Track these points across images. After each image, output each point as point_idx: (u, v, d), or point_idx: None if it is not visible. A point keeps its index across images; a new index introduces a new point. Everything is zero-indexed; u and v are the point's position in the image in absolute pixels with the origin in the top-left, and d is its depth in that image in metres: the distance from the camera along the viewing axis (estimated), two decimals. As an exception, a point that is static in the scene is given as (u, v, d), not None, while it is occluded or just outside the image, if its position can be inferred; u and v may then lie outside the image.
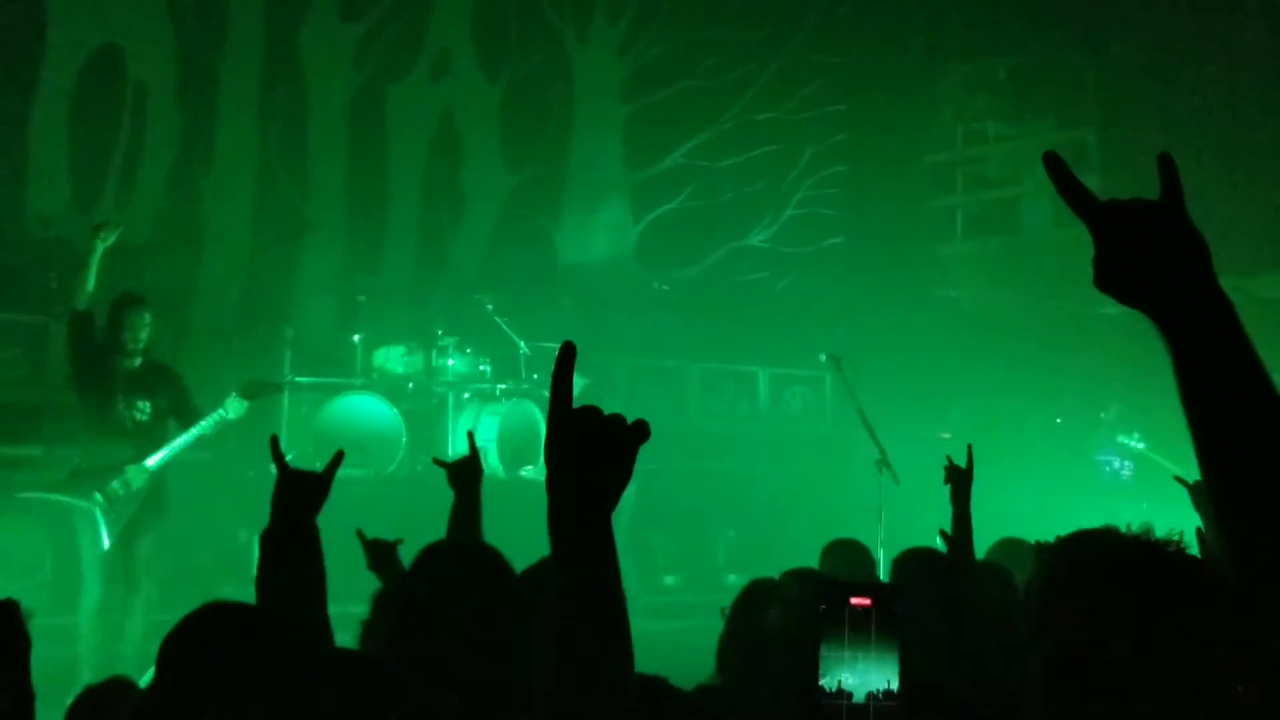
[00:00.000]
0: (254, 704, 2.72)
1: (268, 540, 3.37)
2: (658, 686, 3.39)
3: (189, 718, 2.75)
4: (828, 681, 2.84)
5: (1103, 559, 2.16)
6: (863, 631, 2.91)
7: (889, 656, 2.88)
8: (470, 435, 5.01)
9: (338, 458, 3.58)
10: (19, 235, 13.58)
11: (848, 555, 6.34)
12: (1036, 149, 16.67)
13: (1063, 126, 16.41)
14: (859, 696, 2.81)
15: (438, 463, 4.84)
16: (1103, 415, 14.22)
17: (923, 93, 17.34)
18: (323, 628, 3.32)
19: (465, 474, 4.69)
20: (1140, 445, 13.37)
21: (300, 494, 3.42)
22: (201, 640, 2.85)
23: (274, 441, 3.71)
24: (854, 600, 2.92)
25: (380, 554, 4.61)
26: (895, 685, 2.83)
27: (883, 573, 6.55)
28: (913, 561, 5.29)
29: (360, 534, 4.48)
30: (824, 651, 2.90)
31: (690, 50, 16.85)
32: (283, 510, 3.40)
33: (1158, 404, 14.45)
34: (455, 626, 3.24)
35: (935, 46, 16.99)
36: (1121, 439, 13.63)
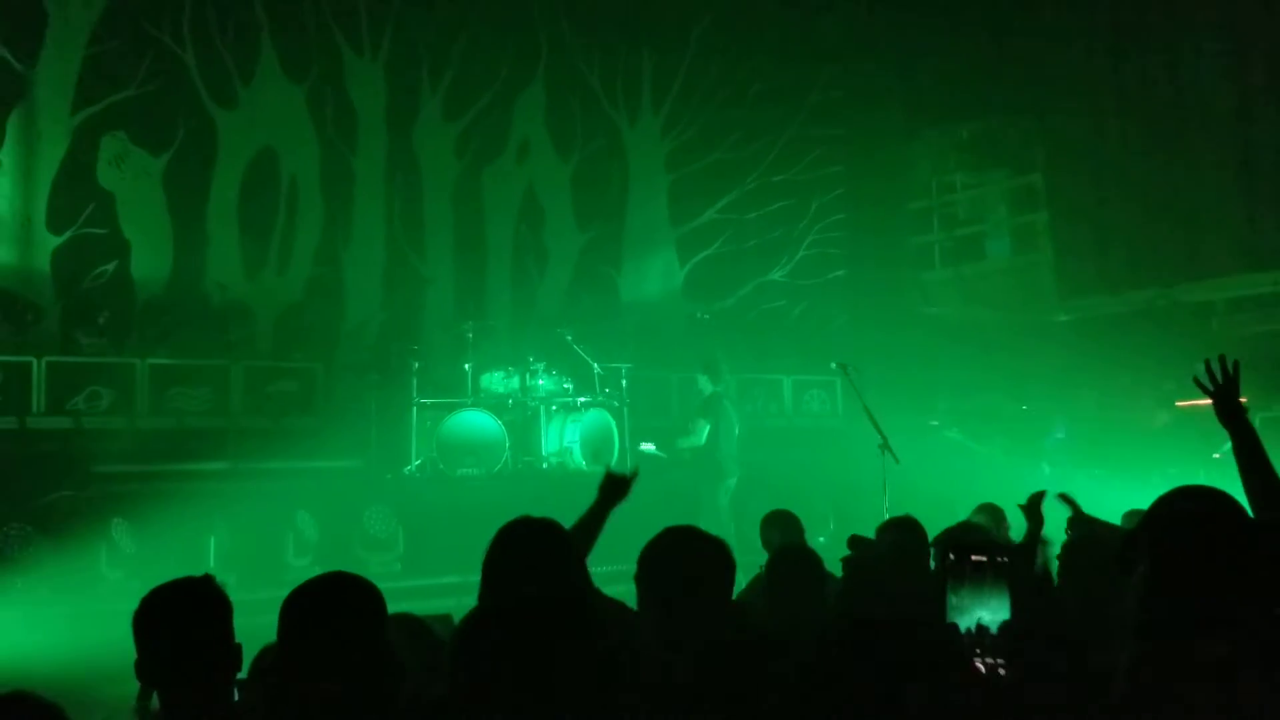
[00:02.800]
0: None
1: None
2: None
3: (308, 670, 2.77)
4: (954, 619, 2.94)
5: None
6: (979, 581, 3.02)
7: (999, 602, 2.98)
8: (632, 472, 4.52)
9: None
10: (202, 299, 13.77)
11: (783, 526, 6.35)
12: (996, 195, 16.71)
13: (1016, 175, 16.36)
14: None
15: (609, 471, 4.45)
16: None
17: (903, 153, 17.32)
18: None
19: (614, 489, 4.35)
20: (958, 436, 13.54)
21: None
22: (319, 598, 2.86)
23: None
24: (974, 557, 3.10)
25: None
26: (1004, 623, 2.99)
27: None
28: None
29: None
30: (948, 596, 3.05)
31: (718, 128, 16.87)
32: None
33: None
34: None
35: (911, 117, 16.96)
36: (948, 433, 13.71)
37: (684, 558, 3.33)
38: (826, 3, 16.45)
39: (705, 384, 11.95)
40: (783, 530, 6.30)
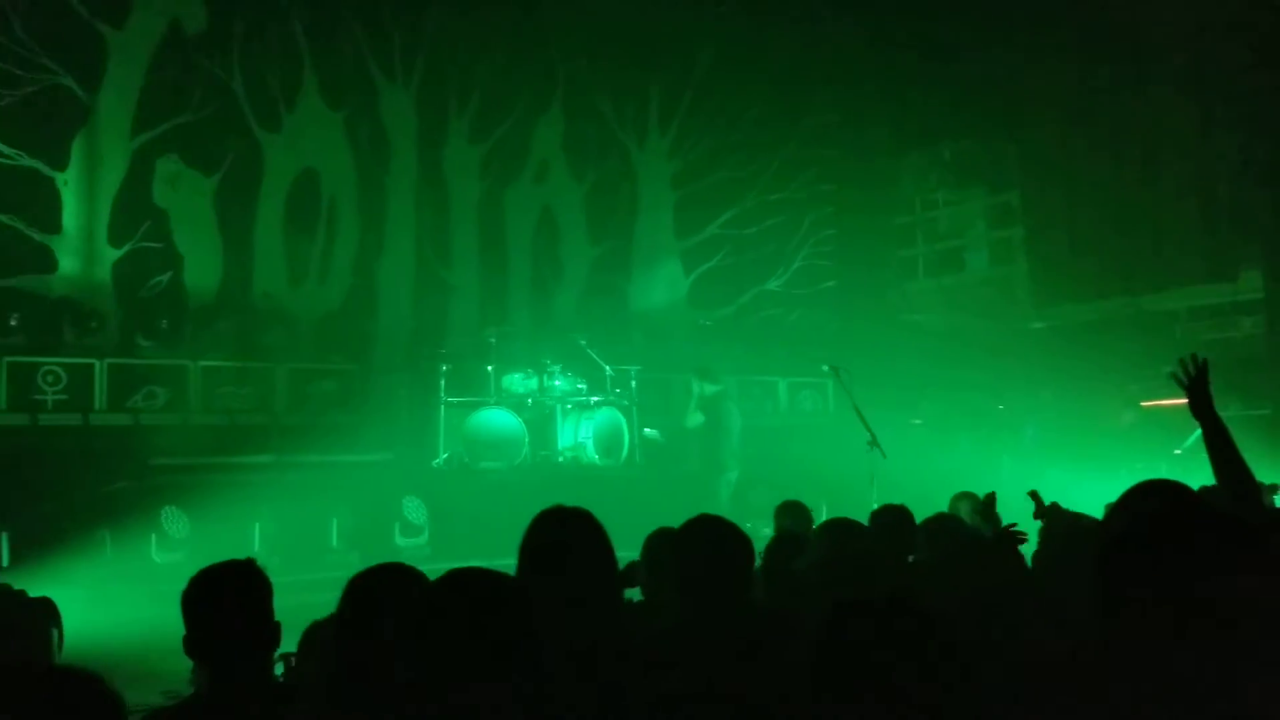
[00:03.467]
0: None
1: None
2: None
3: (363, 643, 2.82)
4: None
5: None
6: None
7: None
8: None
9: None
10: (249, 305, 13.83)
11: (794, 513, 6.34)
12: (975, 211, 16.71)
13: (993, 193, 16.36)
14: None
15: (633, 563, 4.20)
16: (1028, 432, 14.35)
17: (889, 172, 17.32)
18: None
19: (628, 579, 4.10)
20: (920, 422, 13.79)
21: None
22: (377, 583, 2.96)
23: None
24: None
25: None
26: None
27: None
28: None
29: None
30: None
31: (719, 150, 16.89)
32: None
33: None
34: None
35: (897, 138, 16.96)
36: (914, 420, 13.90)
37: (722, 546, 3.36)
38: (819, 36, 16.45)
39: (707, 387, 12.00)
40: (793, 518, 6.32)
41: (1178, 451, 10.91)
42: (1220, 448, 3.65)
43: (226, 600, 2.98)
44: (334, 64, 14.51)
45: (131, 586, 9.58)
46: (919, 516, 5.20)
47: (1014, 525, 5.25)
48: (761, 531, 11.51)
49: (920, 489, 8.86)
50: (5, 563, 9.85)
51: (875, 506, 7.81)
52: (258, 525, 10.75)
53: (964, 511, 6.34)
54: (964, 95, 15.45)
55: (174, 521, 10.68)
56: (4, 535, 10.02)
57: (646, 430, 12.85)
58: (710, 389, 11.96)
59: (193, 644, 2.96)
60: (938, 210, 17.14)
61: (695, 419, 11.89)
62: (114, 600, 9.25)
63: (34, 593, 4.27)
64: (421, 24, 14.96)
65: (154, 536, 10.60)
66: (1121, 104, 14.04)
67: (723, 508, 11.29)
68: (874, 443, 9.99)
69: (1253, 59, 12.28)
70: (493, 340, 13.13)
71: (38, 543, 9.98)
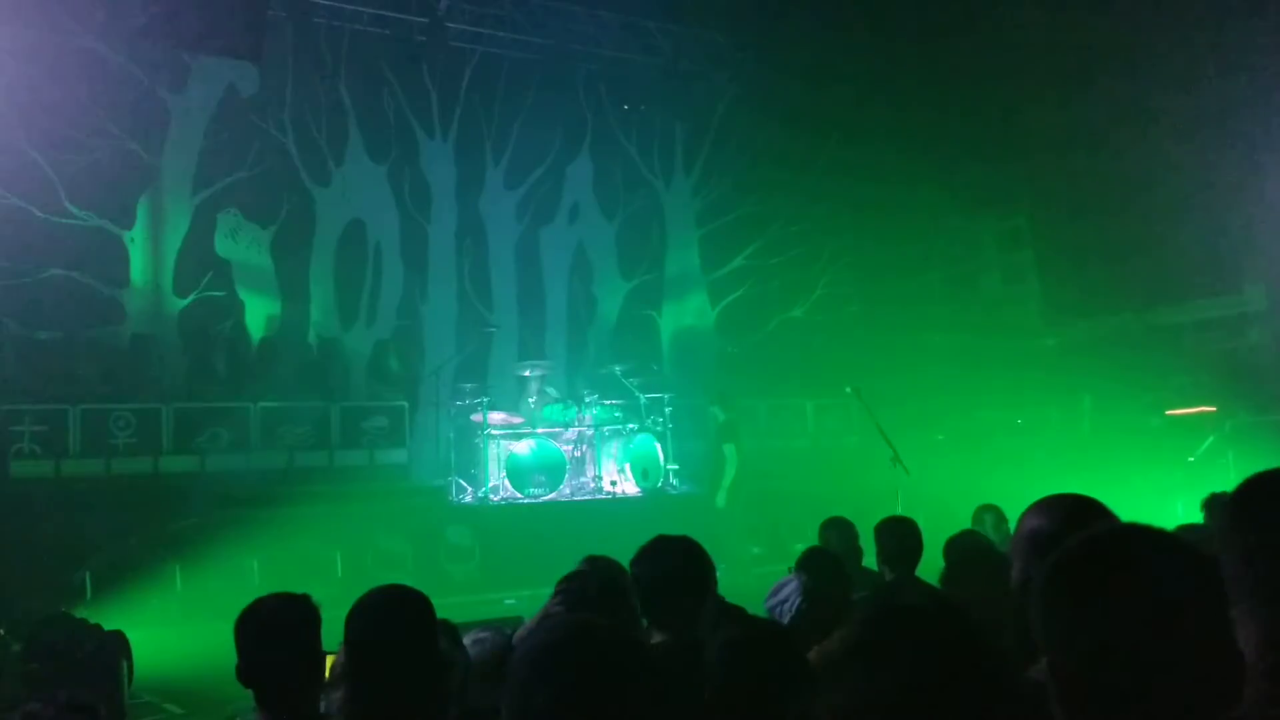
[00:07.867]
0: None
1: None
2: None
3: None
4: None
5: None
6: None
7: None
8: None
9: None
10: (304, 347, 13.91)
11: (840, 529, 6.20)
12: (986, 234, 16.59)
13: (1003, 218, 16.25)
14: None
15: None
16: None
17: (904, 202, 17.22)
18: None
19: None
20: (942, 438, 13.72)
21: None
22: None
23: None
24: None
25: None
26: None
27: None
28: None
29: None
30: None
31: (741, 187, 16.89)
32: None
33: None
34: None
35: (910, 169, 16.85)
36: (936, 436, 13.88)
37: (692, 562, 3.25)
38: (832, 76, 16.43)
39: (718, 412, 12.14)
40: (839, 533, 6.17)
41: (1191, 459, 10.73)
42: None
43: (272, 632, 2.95)
44: (377, 122, 14.67)
45: (202, 618, 9.56)
46: (942, 528, 5.10)
47: None
48: (793, 548, 11.44)
49: (943, 503, 8.76)
50: (89, 596, 9.90)
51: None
52: (339, 554, 10.92)
53: (988, 524, 6.23)
54: (972, 126, 15.36)
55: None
56: (87, 573, 10.07)
57: (714, 409, 12.79)
58: (720, 416, 12.17)
59: (244, 672, 2.93)
60: (951, 236, 17.04)
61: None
62: (185, 631, 9.23)
63: (130, 623, 4.26)
64: (456, 81, 15.09)
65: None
66: (1122, 124, 13.92)
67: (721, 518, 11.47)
68: (897, 460, 9.85)
69: (1250, 74, 12.14)
70: (532, 373, 13.12)
71: (117, 577, 10.03)
